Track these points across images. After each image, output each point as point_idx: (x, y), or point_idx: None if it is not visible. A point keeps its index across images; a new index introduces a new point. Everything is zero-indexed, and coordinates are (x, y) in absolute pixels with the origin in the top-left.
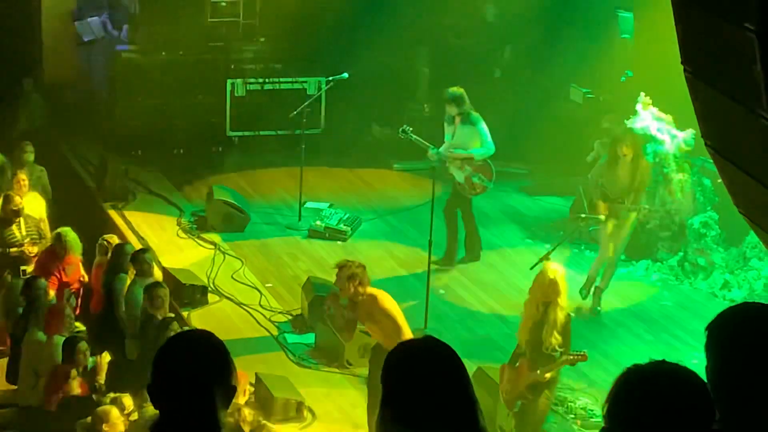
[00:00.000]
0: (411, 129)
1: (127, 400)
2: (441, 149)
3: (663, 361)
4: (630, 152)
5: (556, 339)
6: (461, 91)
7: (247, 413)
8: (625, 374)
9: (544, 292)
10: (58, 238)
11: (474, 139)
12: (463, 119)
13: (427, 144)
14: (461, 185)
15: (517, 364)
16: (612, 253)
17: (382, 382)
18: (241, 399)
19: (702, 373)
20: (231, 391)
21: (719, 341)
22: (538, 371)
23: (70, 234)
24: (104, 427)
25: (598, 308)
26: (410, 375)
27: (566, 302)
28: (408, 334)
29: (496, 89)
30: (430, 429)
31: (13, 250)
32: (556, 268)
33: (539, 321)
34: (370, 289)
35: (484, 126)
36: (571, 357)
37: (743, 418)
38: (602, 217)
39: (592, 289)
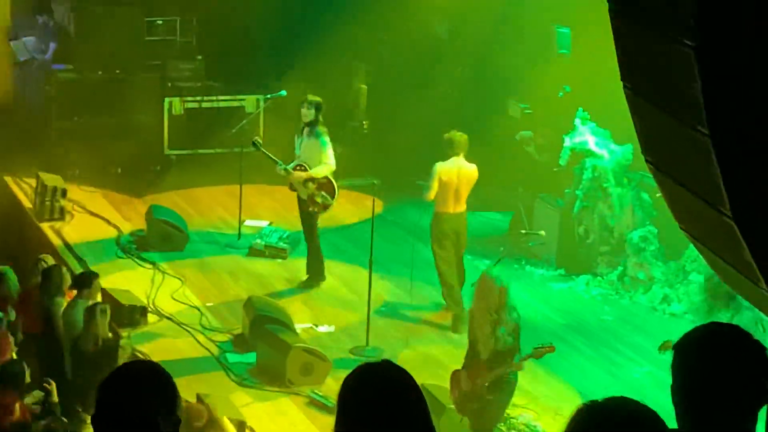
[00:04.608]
0: (261, 142)
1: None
2: (290, 165)
3: (623, 398)
4: None
5: (510, 342)
6: (320, 99)
7: None
8: (584, 408)
9: (496, 299)
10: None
11: (317, 154)
12: (310, 131)
13: (276, 159)
14: (304, 202)
15: (473, 367)
16: None
17: (338, 403)
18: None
19: (640, 387)
20: (176, 423)
21: (685, 361)
22: (513, 363)
23: (9, 275)
24: None
25: None
26: (366, 400)
27: (513, 304)
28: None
29: (446, 105)
30: None
31: None
32: (497, 275)
33: (492, 325)
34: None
35: (327, 140)
36: (540, 350)
37: None
38: (542, 232)
39: None
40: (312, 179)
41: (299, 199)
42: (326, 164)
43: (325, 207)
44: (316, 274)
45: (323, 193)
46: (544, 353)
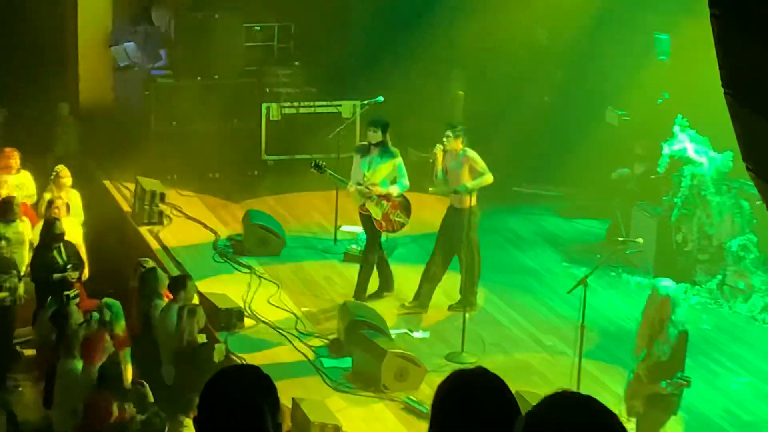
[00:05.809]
0: (324, 163)
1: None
2: (355, 182)
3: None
4: None
5: (666, 355)
6: (386, 120)
7: None
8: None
9: (658, 310)
10: (100, 311)
11: (391, 174)
12: (381, 150)
13: (344, 179)
14: (377, 222)
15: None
16: None
17: (432, 409)
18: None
19: (739, 398)
20: (279, 426)
21: None
22: (667, 383)
23: (114, 308)
24: None
25: None
26: (461, 406)
27: (680, 318)
28: None
29: (544, 111)
30: None
31: (55, 275)
32: (667, 285)
33: (656, 337)
34: None
35: (401, 160)
36: (681, 382)
37: None
38: (640, 240)
39: None
40: (388, 197)
41: (365, 217)
42: (403, 183)
43: (401, 225)
44: (361, 289)
45: (398, 211)
46: (680, 386)
